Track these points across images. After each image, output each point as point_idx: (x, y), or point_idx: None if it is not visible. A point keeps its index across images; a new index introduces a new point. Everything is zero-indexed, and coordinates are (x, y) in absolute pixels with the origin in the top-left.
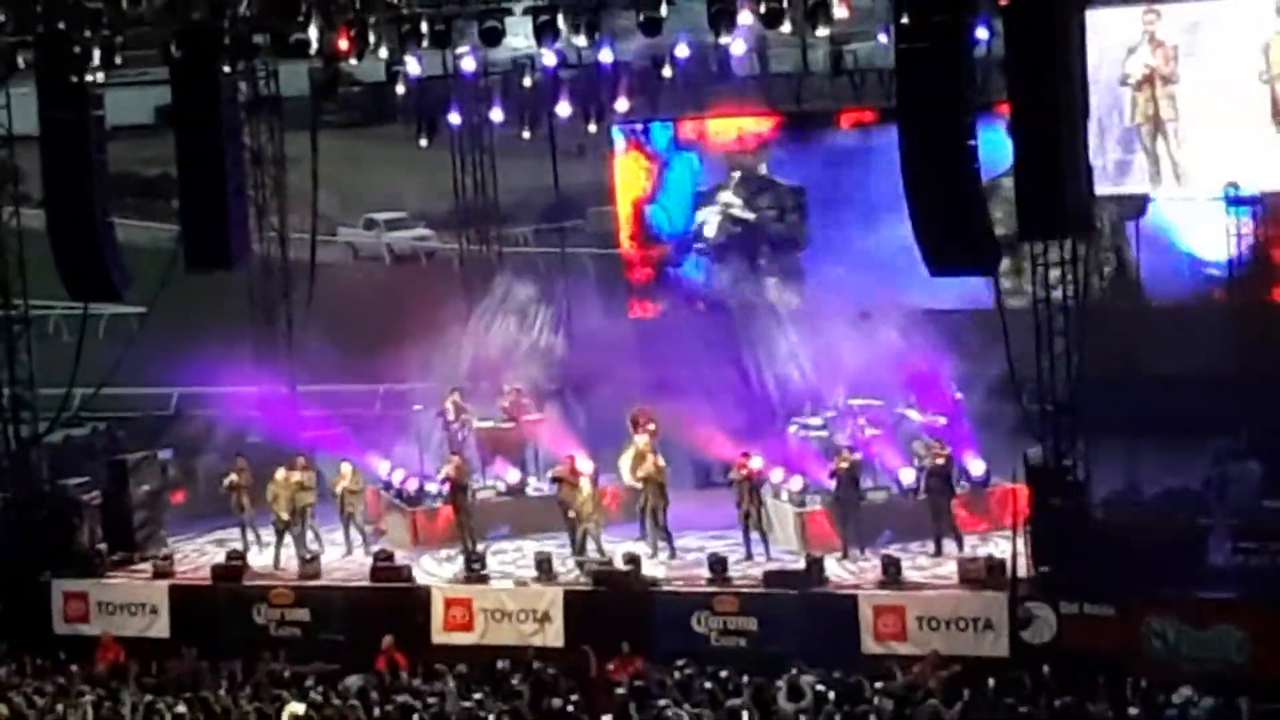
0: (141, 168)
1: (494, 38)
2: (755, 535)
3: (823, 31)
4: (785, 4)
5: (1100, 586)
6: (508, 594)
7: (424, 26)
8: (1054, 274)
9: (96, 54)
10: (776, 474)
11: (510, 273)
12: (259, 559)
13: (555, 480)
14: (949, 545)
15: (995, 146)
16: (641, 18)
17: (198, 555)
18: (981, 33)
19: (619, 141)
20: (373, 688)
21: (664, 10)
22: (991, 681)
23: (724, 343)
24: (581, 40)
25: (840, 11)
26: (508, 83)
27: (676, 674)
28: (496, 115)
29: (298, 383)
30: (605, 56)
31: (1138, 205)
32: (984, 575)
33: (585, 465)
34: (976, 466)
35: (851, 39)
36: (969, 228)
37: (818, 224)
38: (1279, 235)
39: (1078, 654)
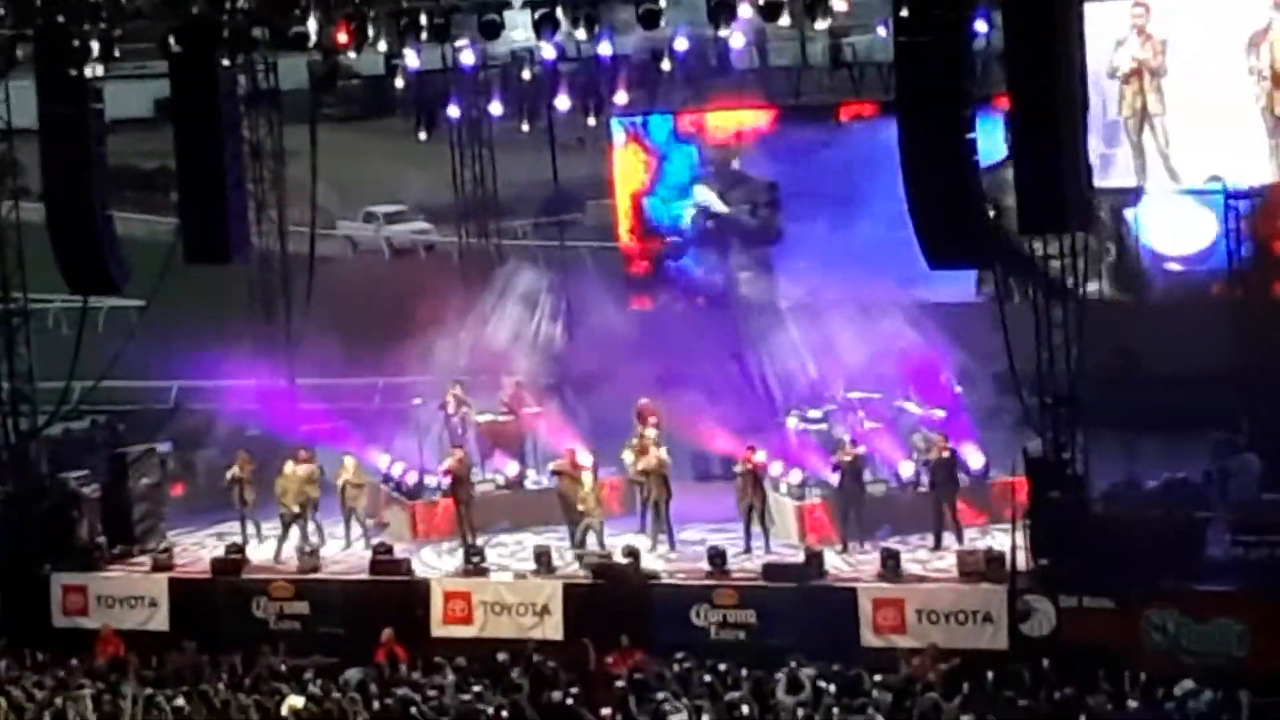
0: (140, 161)
1: (493, 31)
2: (756, 529)
3: (822, 25)
4: None
5: (1099, 580)
6: (507, 587)
7: (423, 20)
8: (1053, 265)
9: (95, 47)
10: (776, 467)
11: (509, 266)
12: (259, 552)
13: (556, 474)
14: (948, 539)
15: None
16: (640, 11)
17: (197, 548)
18: (981, 26)
19: (618, 135)
20: (372, 681)
21: (663, 3)
22: (991, 674)
23: (723, 336)
24: (581, 34)
25: (839, 5)
26: (507, 76)
27: (676, 667)
28: (495, 108)
29: (297, 376)
30: (604, 50)
31: (1134, 195)
32: (983, 568)
33: (585, 459)
34: (976, 460)
35: (850, 32)
36: (968, 221)
37: (805, 218)
38: (1277, 229)
39: (1077, 647)
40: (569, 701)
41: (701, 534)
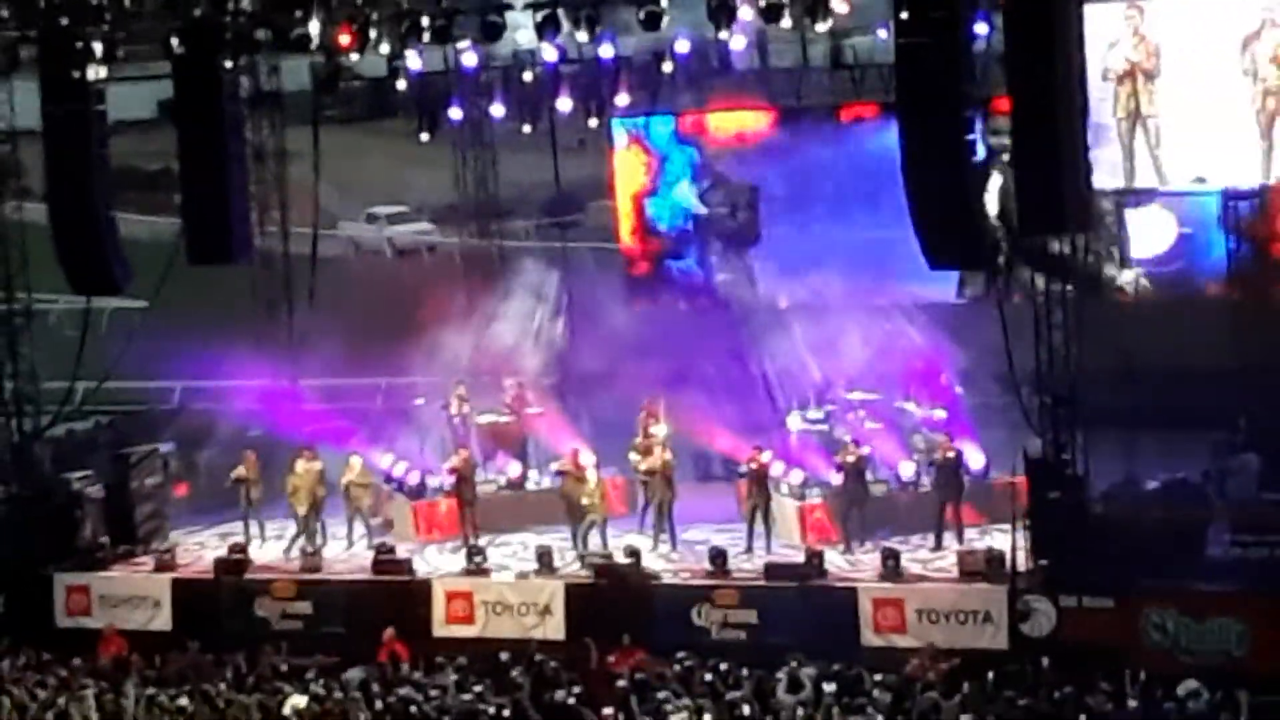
0: (143, 162)
1: (495, 33)
2: (759, 529)
3: (822, 26)
4: None
5: (1099, 579)
6: (509, 587)
7: (425, 21)
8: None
9: (98, 49)
10: (777, 467)
11: (511, 267)
12: (264, 553)
13: (560, 474)
14: (949, 539)
15: None
16: (642, 13)
17: (199, 549)
18: (981, 27)
19: (619, 136)
20: (374, 680)
21: (664, 5)
22: (991, 674)
23: (724, 336)
24: (582, 35)
25: (840, 6)
26: (508, 78)
27: (677, 666)
28: (497, 110)
29: (300, 376)
30: (606, 51)
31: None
32: (983, 568)
33: (587, 458)
34: (976, 460)
35: (851, 34)
36: (967, 222)
37: (805, 219)
38: (1276, 230)
39: (1077, 647)
40: (570, 701)
41: (705, 534)
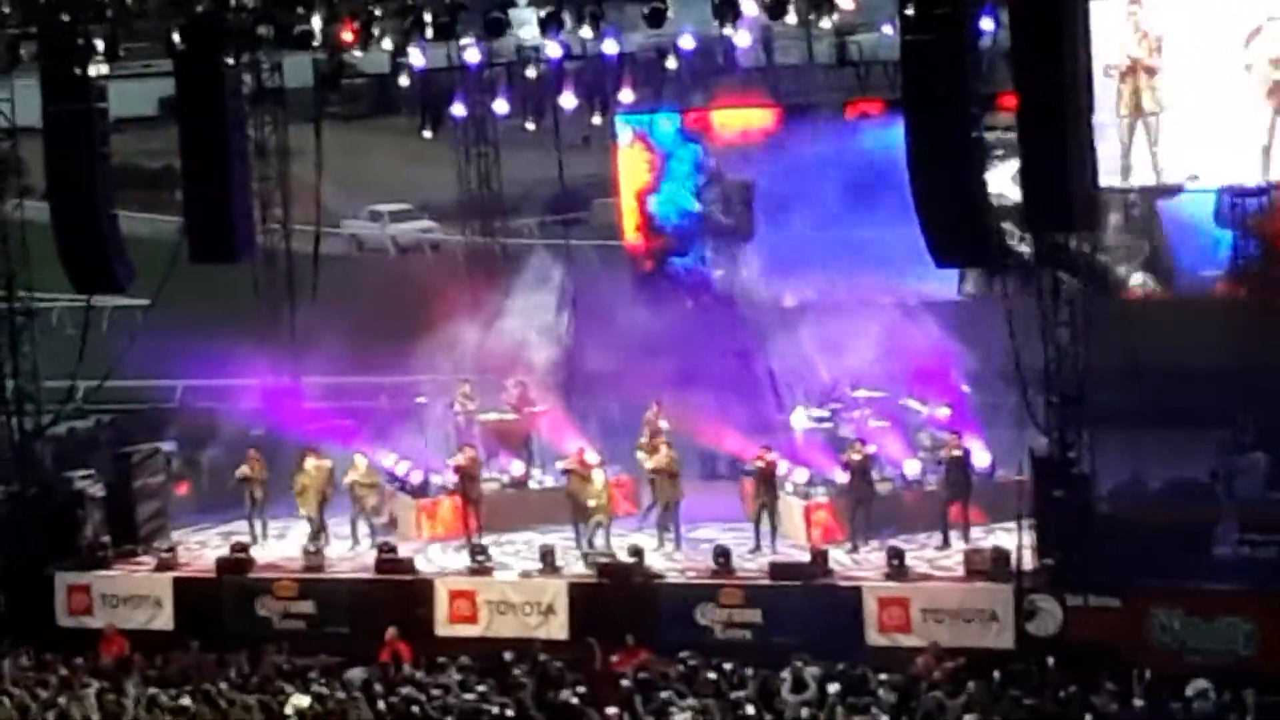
0: (145, 160)
1: (498, 29)
2: (765, 528)
3: (827, 23)
4: None
5: (1106, 578)
6: (512, 586)
7: (428, 18)
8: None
9: (100, 46)
10: (782, 466)
11: (515, 264)
12: (269, 551)
13: (566, 472)
14: (954, 538)
15: None
16: (646, 10)
17: (201, 548)
18: (987, 24)
19: (623, 133)
20: (376, 680)
21: (668, 1)
22: (996, 674)
23: (729, 334)
24: (586, 32)
25: (845, 3)
26: (512, 74)
27: (681, 666)
28: (501, 107)
29: (302, 375)
30: (610, 48)
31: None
32: (989, 567)
33: (593, 457)
34: (981, 458)
35: (857, 30)
36: (973, 219)
37: (807, 216)
38: None
39: (1083, 646)
40: (574, 701)
41: (713, 533)
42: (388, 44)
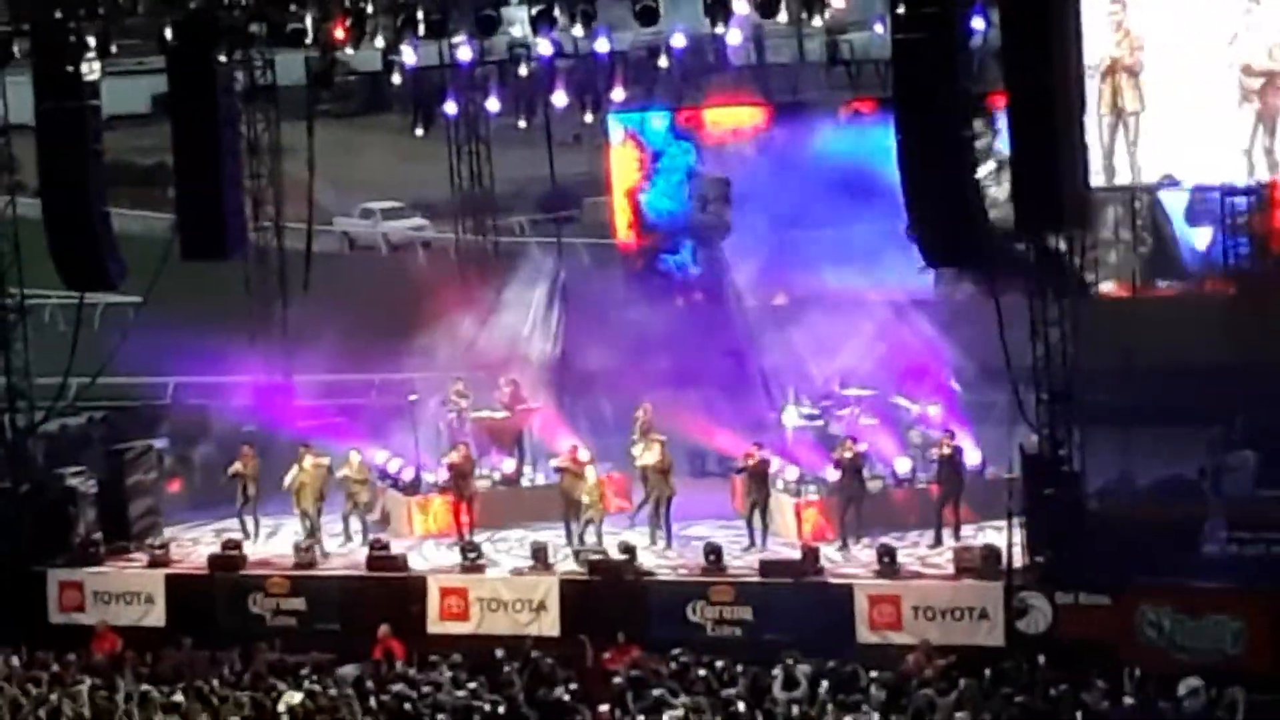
0: (138, 157)
1: (490, 27)
2: (758, 525)
3: (818, 22)
4: None
5: (1095, 576)
6: (504, 583)
7: (420, 16)
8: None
9: (92, 43)
10: (773, 464)
11: (507, 262)
12: (262, 548)
13: (559, 470)
14: (946, 535)
15: None
16: (638, 8)
17: (193, 545)
18: (978, 23)
19: (615, 131)
20: (368, 677)
21: (660, 0)
22: (987, 671)
23: (720, 332)
24: (578, 30)
25: (836, 1)
26: (504, 72)
27: (673, 663)
28: (493, 105)
29: (294, 372)
30: (601, 46)
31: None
32: (979, 565)
33: (585, 455)
34: (972, 456)
35: (848, 29)
36: (965, 218)
37: (801, 215)
38: (1273, 227)
39: (1073, 644)
40: (566, 698)
41: (704, 531)
42: (380, 42)
